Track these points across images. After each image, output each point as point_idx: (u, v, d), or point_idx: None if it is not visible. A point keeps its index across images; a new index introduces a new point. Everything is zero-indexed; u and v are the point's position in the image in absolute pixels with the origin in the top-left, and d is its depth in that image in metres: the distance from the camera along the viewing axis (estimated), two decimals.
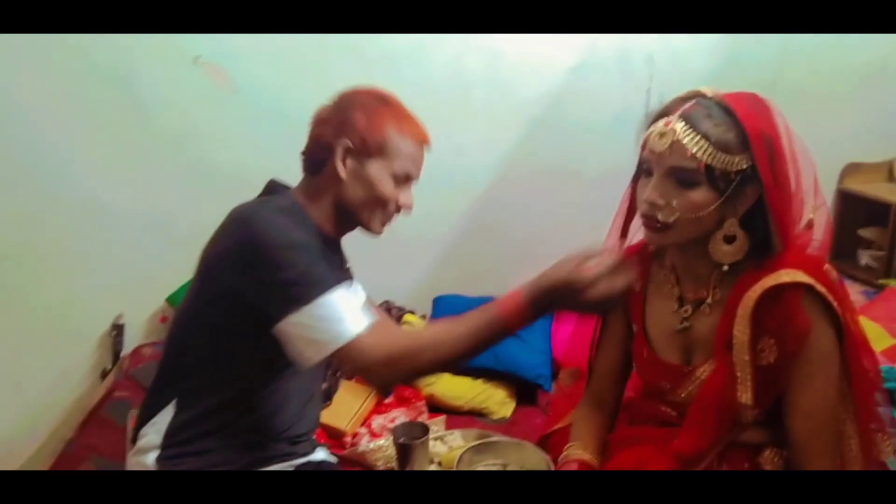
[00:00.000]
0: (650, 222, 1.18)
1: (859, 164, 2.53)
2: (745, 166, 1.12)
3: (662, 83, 2.39)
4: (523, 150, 2.39)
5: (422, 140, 1.37)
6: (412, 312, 2.25)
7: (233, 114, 2.15)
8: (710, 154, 1.11)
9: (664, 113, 1.17)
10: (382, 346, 1.21)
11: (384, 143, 1.32)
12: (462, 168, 2.33)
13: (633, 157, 2.38)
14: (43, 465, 1.97)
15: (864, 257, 2.46)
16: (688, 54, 2.42)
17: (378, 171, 1.32)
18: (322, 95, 1.38)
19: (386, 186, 1.33)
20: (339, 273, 1.43)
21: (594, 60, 2.35)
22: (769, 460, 1.20)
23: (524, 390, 1.94)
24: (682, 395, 1.25)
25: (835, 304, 1.14)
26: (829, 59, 2.48)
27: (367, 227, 1.38)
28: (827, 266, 1.20)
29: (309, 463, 1.43)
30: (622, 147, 2.41)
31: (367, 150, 1.31)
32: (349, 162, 1.32)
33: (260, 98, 2.15)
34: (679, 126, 1.12)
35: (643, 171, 1.21)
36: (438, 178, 2.34)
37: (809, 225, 1.19)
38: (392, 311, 2.19)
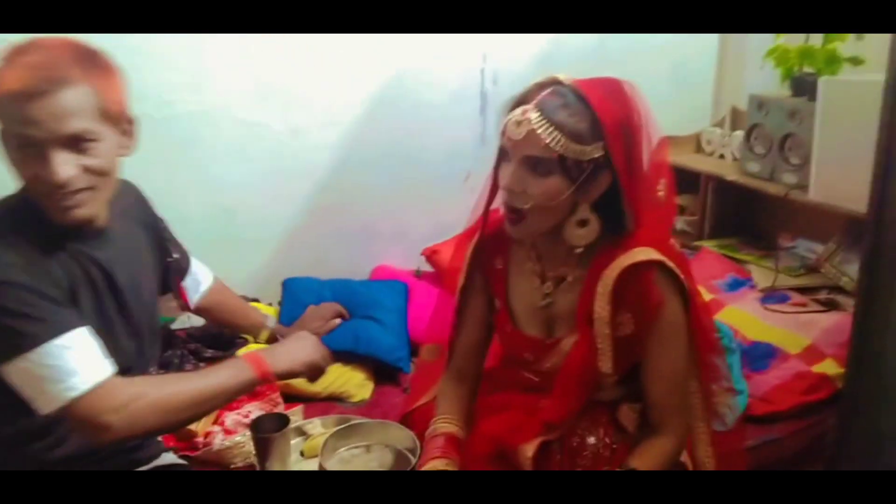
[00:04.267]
0: (510, 214, 1.21)
1: (671, 137, 2.74)
2: (597, 155, 1.16)
3: (497, 62, 2.46)
4: (363, 128, 2.35)
5: (11, 89, 1.01)
6: (256, 300, 2.16)
7: None
8: (562, 144, 1.13)
9: (523, 100, 1.19)
10: (117, 391, 1.08)
11: None
12: (301, 150, 2.26)
13: (469, 134, 2.48)
14: None
15: (680, 222, 2.69)
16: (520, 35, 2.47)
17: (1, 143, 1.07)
18: None
19: (14, 160, 1.07)
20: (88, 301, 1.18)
21: (431, 38, 2.35)
22: (626, 415, 1.28)
23: (382, 371, 1.93)
24: (547, 366, 1.30)
25: (682, 276, 1.22)
26: (642, 41, 2.62)
27: (51, 217, 1.10)
28: (672, 241, 1.29)
29: (156, 468, 1.34)
30: (459, 125, 2.48)
31: None
32: None
33: None
34: (534, 116, 1.14)
35: (503, 156, 1.22)
36: (279, 160, 2.27)
37: (657, 204, 1.25)
38: None
